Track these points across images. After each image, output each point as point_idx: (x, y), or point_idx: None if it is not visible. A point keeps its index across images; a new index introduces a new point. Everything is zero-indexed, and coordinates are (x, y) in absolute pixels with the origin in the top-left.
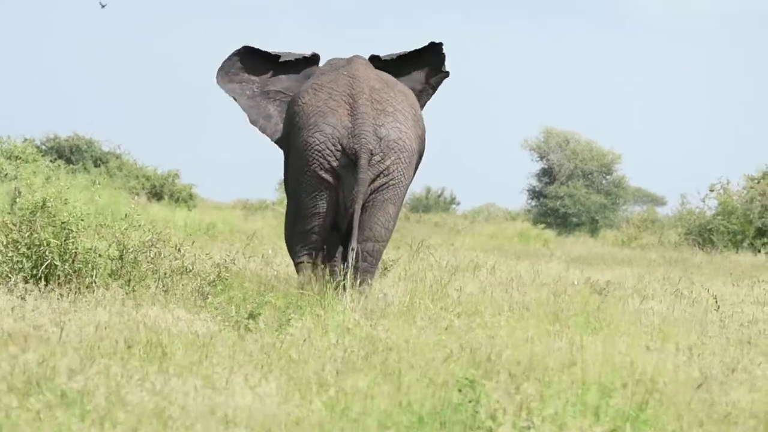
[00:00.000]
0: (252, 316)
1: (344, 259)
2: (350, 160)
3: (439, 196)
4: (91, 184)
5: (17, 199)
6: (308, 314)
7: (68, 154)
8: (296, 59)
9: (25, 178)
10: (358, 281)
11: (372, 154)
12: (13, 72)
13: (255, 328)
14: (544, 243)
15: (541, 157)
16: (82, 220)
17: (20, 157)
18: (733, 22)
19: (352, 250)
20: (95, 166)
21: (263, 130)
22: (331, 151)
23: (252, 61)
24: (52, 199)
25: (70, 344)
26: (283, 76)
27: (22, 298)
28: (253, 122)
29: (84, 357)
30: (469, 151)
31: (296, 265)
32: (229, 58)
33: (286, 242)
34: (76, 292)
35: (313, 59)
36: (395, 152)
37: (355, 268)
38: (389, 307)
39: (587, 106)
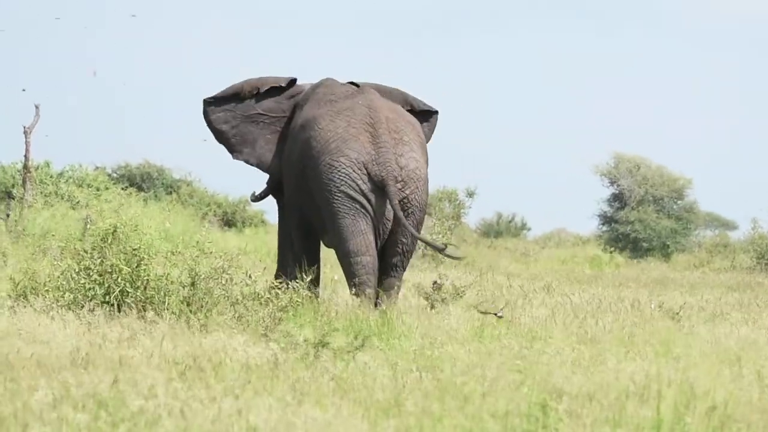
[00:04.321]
0: (322, 343)
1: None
2: (376, 185)
3: (510, 221)
4: (162, 212)
5: (88, 227)
6: (376, 341)
7: (139, 181)
8: (272, 87)
9: (96, 206)
10: (386, 293)
11: (396, 180)
12: (84, 100)
13: (324, 355)
14: (616, 267)
15: (612, 183)
16: (152, 246)
17: (92, 185)
18: None
19: (392, 271)
20: (166, 193)
21: (247, 159)
22: (358, 174)
23: (233, 96)
24: (123, 226)
25: (140, 369)
26: (264, 100)
27: (93, 324)
28: (236, 153)
29: (153, 382)
30: (540, 176)
31: (356, 287)
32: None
33: (341, 262)
34: (148, 320)
35: (291, 83)
36: (414, 181)
37: (382, 283)
38: (459, 331)
39: (657, 130)
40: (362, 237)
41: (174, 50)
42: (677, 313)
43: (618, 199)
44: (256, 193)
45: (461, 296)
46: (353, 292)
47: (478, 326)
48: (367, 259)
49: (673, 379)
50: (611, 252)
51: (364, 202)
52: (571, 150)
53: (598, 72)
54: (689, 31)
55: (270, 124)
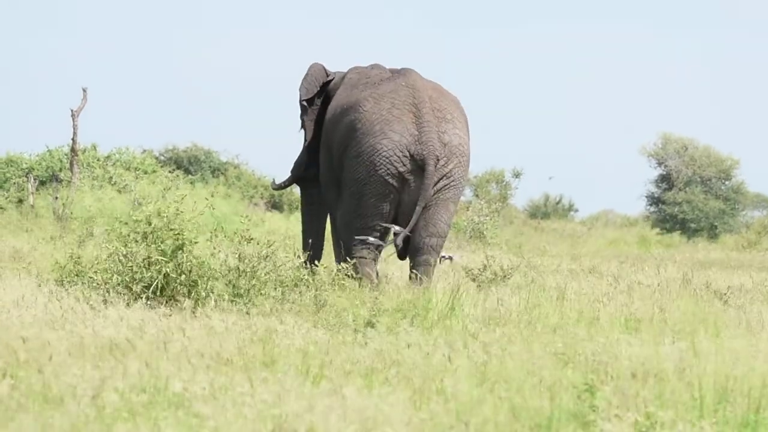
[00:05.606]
0: (369, 323)
1: (409, 253)
2: (417, 165)
3: (557, 203)
4: (209, 195)
5: (132, 212)
6: (423, 321)
7: (187, 164)
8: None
9: (142, 189)
10: (422, 272)
11: (437, 159)
12: (131, 83)
13: (372, 335)
14: (666, 248)
15: (659, 164)
16: (195, 232)
17: (139, 168)
18: None
19: (418, 249)
20: (213, 176)
21: (303, 132)
22: (399, 157)
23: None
24: (165, 211)
25: (183, 353)
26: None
27: (137, 308)
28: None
29: (195, 365)
30: (587, 157)
31: (355, 259)
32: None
33: (340, 237)
34: (193, 304)
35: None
36: (456, 156)
37: (418, 261)
38: (506, 313)
39: (705, 110)
40: (381, 218)
41: (222, 34)
42: (725, 294)
43: (665, 180)
44: (277, 182)
45: (508, 278)
46: (351, 264)
47: (526, 307)
48: (377, 236)
49: (715, 359)
50: (662, 233)
51: (397, 185)
52: (618, 131)
53: (646, 54)
54: (735, 14)
55: (312, 112)
